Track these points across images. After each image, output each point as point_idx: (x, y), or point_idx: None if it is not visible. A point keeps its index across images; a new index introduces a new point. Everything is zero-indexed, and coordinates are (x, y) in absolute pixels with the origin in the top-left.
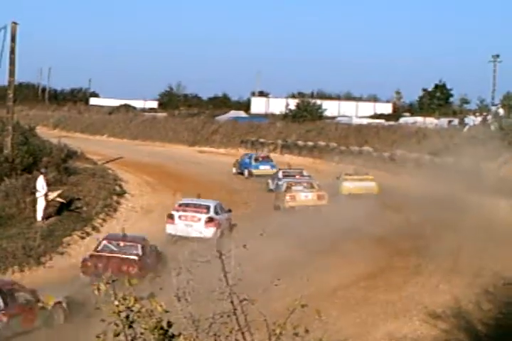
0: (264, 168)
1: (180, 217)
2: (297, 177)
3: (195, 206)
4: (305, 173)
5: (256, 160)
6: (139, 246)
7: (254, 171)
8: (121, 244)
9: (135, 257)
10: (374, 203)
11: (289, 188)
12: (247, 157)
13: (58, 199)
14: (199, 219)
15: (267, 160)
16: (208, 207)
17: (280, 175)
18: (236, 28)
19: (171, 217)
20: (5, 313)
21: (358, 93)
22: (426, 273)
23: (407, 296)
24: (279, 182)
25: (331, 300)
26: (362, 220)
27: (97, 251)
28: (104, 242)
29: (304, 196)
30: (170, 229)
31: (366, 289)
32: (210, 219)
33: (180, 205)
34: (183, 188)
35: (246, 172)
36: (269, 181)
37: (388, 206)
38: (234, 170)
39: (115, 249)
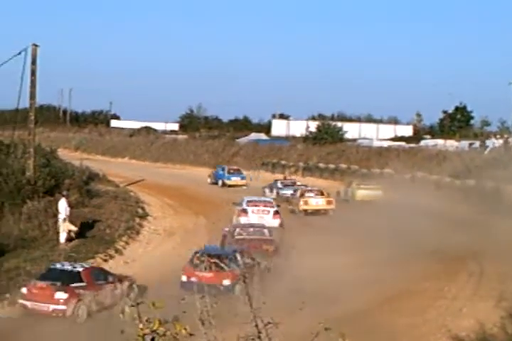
0: (235, 179)
1: (253, 211)
2: (298, 185)
3: (263, 202)
4: (298, 183)
5: (228, 172)
6: (266, 230)
7: (227, 181)
8: (251, 229)
9: (271, 237)
10: (395, 225)
11: (302, 195)
12: (220, 169)
13: (72, 233)
14: (268, 212)
15: (238, 172)
16: (272, 203)
17: (279, 184)
18: (256, 51)
19: (244, 211)
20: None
21: (379, 115)
22: (449, 296)
23: (431, 320)
24: (284, 191)
25: (356, 323)
26: (383, 245)
27: (238, 236)
28: (238, 230)
29: (315, 201)
30: (244, 221)
31: (390, 312)
32: (276, 212)
33: (248, 202)
34: (204, 211)
35: (220, 182)
36: (266, 190)
37: (409, 227)
38: (209, 180)
39: (249, 233)
